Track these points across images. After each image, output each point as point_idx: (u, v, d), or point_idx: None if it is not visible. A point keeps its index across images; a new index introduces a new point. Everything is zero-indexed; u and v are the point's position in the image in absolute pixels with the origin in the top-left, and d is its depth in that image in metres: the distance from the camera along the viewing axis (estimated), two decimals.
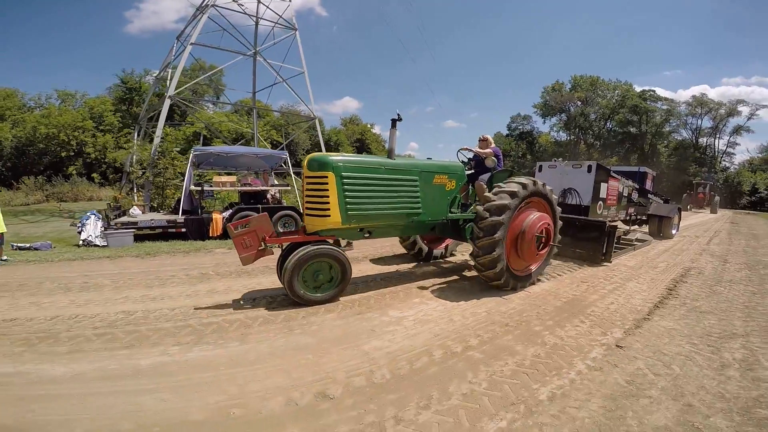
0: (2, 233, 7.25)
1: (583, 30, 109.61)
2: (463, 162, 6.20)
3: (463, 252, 7.70)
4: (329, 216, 4.47)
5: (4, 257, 7.13)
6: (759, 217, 25.90)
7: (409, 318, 4.32)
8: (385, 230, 5.24)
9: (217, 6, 17.91)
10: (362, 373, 3.09)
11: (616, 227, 7.60)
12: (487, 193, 5.38)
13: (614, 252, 7.82)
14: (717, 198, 30.05)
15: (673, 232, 11.86)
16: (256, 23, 20.36)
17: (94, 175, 29.34)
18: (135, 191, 17.48)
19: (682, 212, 26.04)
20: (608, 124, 55.25)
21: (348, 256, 4.76)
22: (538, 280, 5.94)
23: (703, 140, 52.81)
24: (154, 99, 21.56)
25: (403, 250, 7.45)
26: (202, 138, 21.77)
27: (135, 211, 10.66)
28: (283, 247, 4.83)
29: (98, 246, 8.82)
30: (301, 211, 5.58)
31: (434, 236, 6.82)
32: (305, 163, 4.61)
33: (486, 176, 6.01)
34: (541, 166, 9.31)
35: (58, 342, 3.58)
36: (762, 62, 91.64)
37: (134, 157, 18.18)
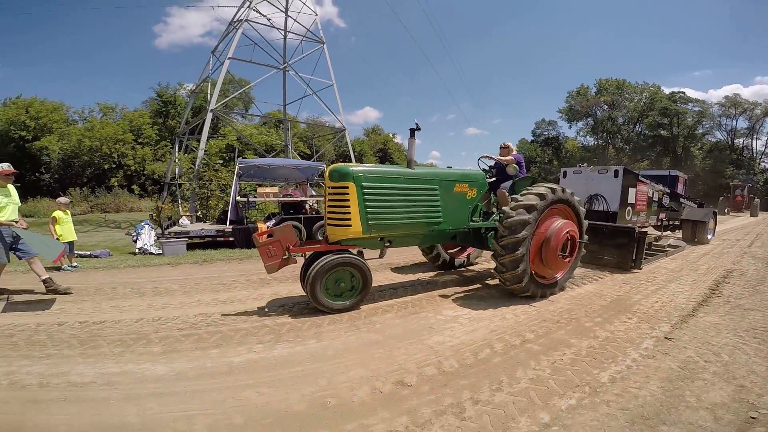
0: (72, 241, 7.67)
1: (607, 33, 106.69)
2: (484, 170, 6.11)
3: (484, 261, 7.54)
4: (350, 226, 4.49)
5: (74, 264, 7.55)
6: None
7: (464, 316, 4.58)
8: (405, 239, 5.21)
9: (250, 21, 18.53)
10: (431, 363, 3.34)
11: (646, 233, 7.27)
12: (506, 207, 5.22)
13: (645, 259, 7.48)
14: (757, 200, 28.11)
15: (709, 237, 11.23)
16: (285, 37, 20.90)
17: (134, 186, 30.73)
18: (176, 202, 18.18)
19: (720, 216, 24.77)
20: (637, 127, 53.27)
21: (371, 264, 4.79)
22: (567, 287, 5.75)
23: (739, 141, 50.06)
24: (189, 113, 22.37)
25: (423, 259, 7.36)
26: (236, 150, 22.47)
27: (184, 221, 11.19)
28: (307, 257, 4.89)
29: (153, 254, 9.33)
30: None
31: (455, 245, 6.73)
32: (327, 173, 4.69)
33: (508, 184, 5.90)
34: (565, 172, 9.01)
35: (150, 343, 3.78)
36: None
37: (176, 169, 18.98)
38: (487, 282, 6.27)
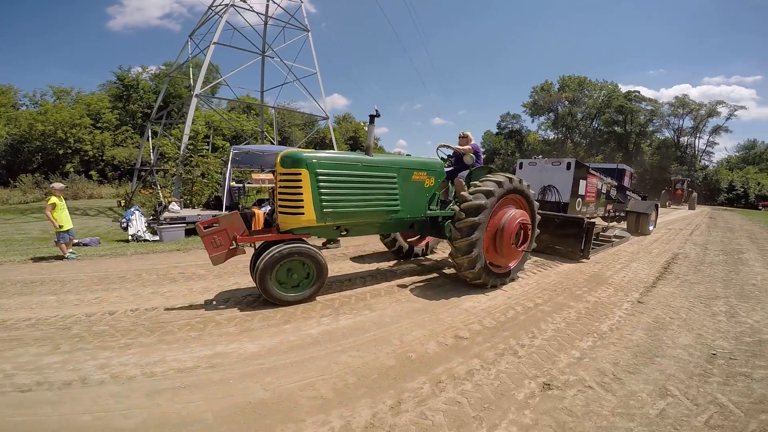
0: (69, 229, 7.04)
1: (570, 29, 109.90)
2: (442, 158, 6.02)
3: (443, 250, 7.55)
4: (303, 214, 4.27)
5: (72, 252, 7.06)
6: (735, 213, 27.03)
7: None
8: (362, 228, 5.06)
9: (236, 6, 17.66)
10: (474, 322, 4.06)
11: (594, 224, 7.48)
12: (464, 192, 5.22)
13: (592, 248, 7.70)
14: (695, 194, 29.90)
15: (651, 228, 11.76)
16: (265, 23, 20.15)
17: (92, 172, 28.68)
18: (151, 188, 17.18)
19: (661, 209, 26.16)
20: (594, 123, 55.34)
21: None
22: (518, 277, 5.81)
23: (684, 139, 53.18)
24: (161, 98, 21.05)
25: (382, 248, 7.26)
26: (209, 137, 21.43)
27: (174, 207, 10.60)
28: (256, 246, 4.62)
29: (148, 240, 8.98)
30: None
31: (414, 234, 6.65)
32: (278, 159, 4.40)
33: (465, 173, 5.84)
34: (521, 164, 9.09)
35: (220, 325, 3.80)
36: (742, 62, 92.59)
37: (151, 154, 17.96)
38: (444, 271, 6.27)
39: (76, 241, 7.90)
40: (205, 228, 4.16)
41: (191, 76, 16.92)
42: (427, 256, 7.20)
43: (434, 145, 6.04)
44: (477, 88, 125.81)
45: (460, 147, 5.92)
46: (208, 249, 4.16)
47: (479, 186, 5.15)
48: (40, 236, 10.14)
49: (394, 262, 6.68)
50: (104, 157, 30.37)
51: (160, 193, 15.30)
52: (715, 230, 13.97)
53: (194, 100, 15.17)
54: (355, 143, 51.93)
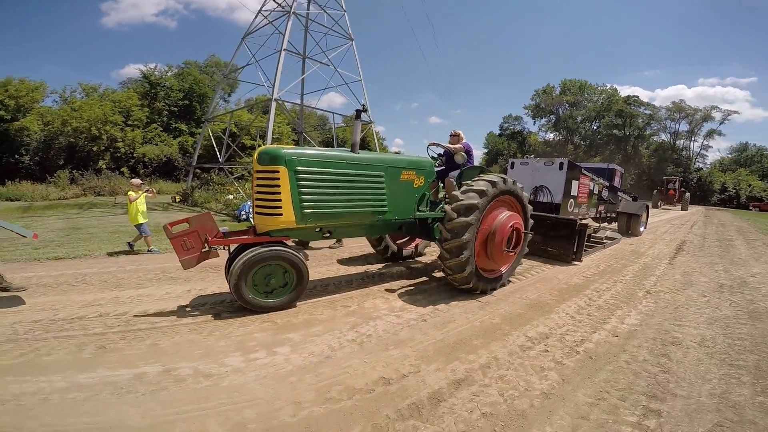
0: (143, 222, 6.56)
1: (567, 30, 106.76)
2: (433, 157, 5.44)
3: (433, 252, 6.94)
4: (281, 215, 3.74)
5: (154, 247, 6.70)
6: (727, 212, 28.63)
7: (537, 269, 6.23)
8: (347, 230, 4.51)
9: (296, 13, 17.46)
10: (586, 271, 6.18)
11: (587, 225, 6.81)
12: (455, 192, 4.64)
13: (585, 251, 7.05)
14: (687, 195, 27.63)
15: (641, 229, 10.89)
16: (306, 27, 19.81)
17: (124, 169, 28.29)
18: (205, 186, 17.10)
19: (653, 209, 24.93)
20: (594, 125, 53.67)
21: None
22: (509, 282, 5.23)
23: (680, 142, 51.37)
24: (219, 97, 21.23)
25: (370, 249, 6.64)
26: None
27: None
28: (231, 249, 4.09)
29: None
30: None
31: (403, 236, 6.08)
32: (255, 156, 3.86)
33: (456, 173, 5.26)
34: (513, 163, 8.34)
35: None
36: (737, 64, 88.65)
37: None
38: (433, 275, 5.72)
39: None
40: (173, 229, 3.66)
41: (273, 84, 16.20)
42: (416, 259, 6.61)
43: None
44: (474, 89, 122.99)
45: (451, 145, 5.33)
46: (178, 252, 3.65)
47: (471, 185, 4.58)
48: (125, 230, 9.26)
49: (383, 264, 6.07)
50: (134, 155, 30.11)
51: (240, 190, 15.38)
52: (710, 226, 15.84)
53: (273, 104, 14.99)
54: (363, 143, 51.12)
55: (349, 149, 4.46)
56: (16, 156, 26.90)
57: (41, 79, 31.76)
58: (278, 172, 3.72)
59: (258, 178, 3.85)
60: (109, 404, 2.24)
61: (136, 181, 6.90)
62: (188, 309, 3.85)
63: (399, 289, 4.80)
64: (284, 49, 15.80)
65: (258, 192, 3.86)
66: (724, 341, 3.55)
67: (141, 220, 6.47)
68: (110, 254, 6.34)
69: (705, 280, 5.86)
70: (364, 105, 4.34)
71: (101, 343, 3.02)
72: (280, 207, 3.74)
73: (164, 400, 2.30)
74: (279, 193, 3.73)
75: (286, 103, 18.15)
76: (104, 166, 27.29)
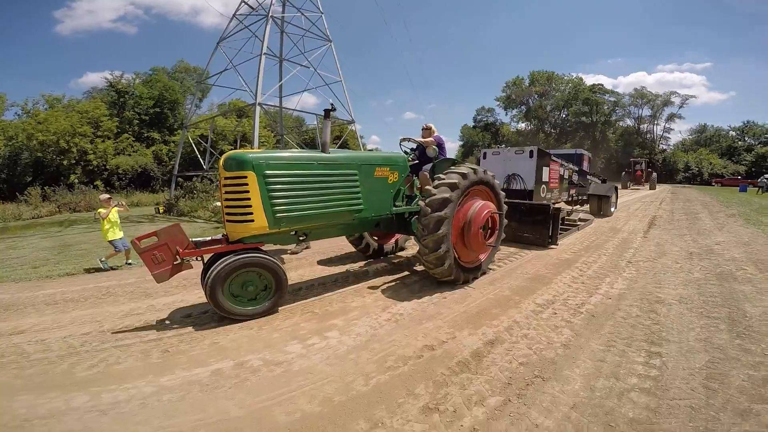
0: (119, 238, 6.20)
1: (532, 22, 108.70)
2: (406, 152, 5.38)
3: (414, 245, 6.88)
4: (252, 221, 3.59)
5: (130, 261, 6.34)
6: (692, 189, 30.45)
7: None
8: (324, 231, 4.41)
9: (273, 17, 16.85)
10: (574, 246, 7.04)
11: (560, 209, 6.94)
12: (428, 186, 4.60)
13: (560, 234, 7.18)
14: (654, 175, 28.92)
15: (612, 209, 11.25)
16: (281, 30, 19.48)
17: (98, 182, 26.80)
18: (189, 195, 16.41)
19: (623, 190, 25.79)
20: (563, 114, 54.94)
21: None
22: (490, 269, 5.25)
23: (643, 126, 53.40)
24: (195, 102, 20.29)
25: (350, 248, 6.50)
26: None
27: None
28: (205, 259, 3.90)
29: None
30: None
31: (381, 232, 6.01)
32: (221, 162, 3.69)
33: (429, 166, 5.22)
34: (485, 153, 8.39)
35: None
36: (693, 50, 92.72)
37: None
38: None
39: None
40: (142, 243, 3.46)
41: (257, 87, 15.58)
42: (397, 254, 6.57)
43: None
44: (446, 83, 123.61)
45: (423, 139, 5.29)
46: (149, 267, 3.46)
47: (443, 179, 4.54)
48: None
49: (364, 262, 5.98)
50: (107, 167, 28.63)
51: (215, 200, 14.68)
52: (677, 202, 17.05)
53: (258, 109, 14.43)
54: (342, 143, 50.59)
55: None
56: None
57: (1, 91, 29.76)
58: (246, 177, 3.56)
59: (226, 185, 3.68)
60: (203, 401, 2.37)
61: (105, 196, 6.52)
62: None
63: (405, 277, 5.06)
64: (264, 53, 15.37)
65: (227, 199, 3.69)
66: (699, 298, 4.11)
67: (115, 236, 6.14)
68: (114, 268, 6.07)
69: (676, 250, 6.53)
70: (332, 104, 4.21)
71: (163, 348, 3.10)
72: (251, 213, 3.59)
73: (251, 390, 2.48)
74: (249, 199, 3.58)
75: (265, 107, 17.69)
76: (76, 181, 25.79)
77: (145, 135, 32.69)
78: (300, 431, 2.08)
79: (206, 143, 18.98)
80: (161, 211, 16.90)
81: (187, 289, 4.73)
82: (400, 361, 2.79)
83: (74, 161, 26.99)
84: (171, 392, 2.45)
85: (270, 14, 16.30)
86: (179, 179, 18.64)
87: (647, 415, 2.17)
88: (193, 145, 19.71)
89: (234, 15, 18.50)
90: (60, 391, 2.48)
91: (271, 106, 19.39)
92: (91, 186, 25.55)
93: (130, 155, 30.31)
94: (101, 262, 6.05)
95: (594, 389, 2.44)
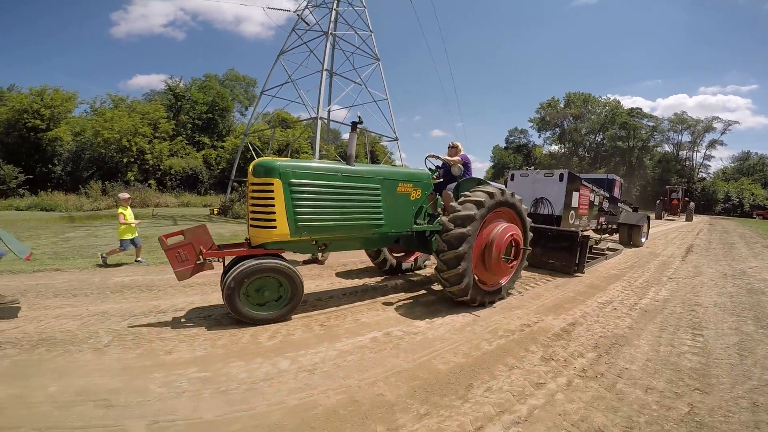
0: (134, 237, 6.24)
1: (568, 41, 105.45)
2: (430, 169, 5.22)
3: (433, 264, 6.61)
4: (275, 228, 3.57)
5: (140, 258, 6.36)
6: (731, 221, 29.36)
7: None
8: (343, 243, 4.31)
9: (335, 33, 17.86)
10: (621, 264, 7.76)
11: (588, 237, 6.46)
12: (452, 203, 4.41)
13: (587, 262, 6.68)
14: (692, 204, 25.30)
15: (643, 240, 10.37)
16: (333, 45, 19.78)
17: (151, 181, 28.03)
18: (243, 199, 17.16)
19: (658, 220, 23.73)
20: (598, 138, 52.61)
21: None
22: (509, 294, 4.94)
23: (683, 153, 49.94)
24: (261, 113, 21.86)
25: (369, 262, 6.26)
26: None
27: None
28: (226, 262, 3.92)
29: None
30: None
31: (400, 249, 5.82)
32: (250, 168, 3.72)
33: (454, 185, 5.02)
34: (513, 175, 7.95)
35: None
36: (737, 72, 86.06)
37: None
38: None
39: None
40: (168, 241, 3.54)
41: (319, 103, 16.12)
42: (416, 272, 6.27)
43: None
44: (478, 102, 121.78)
45: (449, 158, 5.12)
46: (173, 264, 3.51)
47: (469, 196, 4.34)
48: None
49: (382, 278, 5.75)
50: (161, 166, 29.71)
51: None
52: (714, 233, 17.13)
53: (319, 122, 15.07)
54: (372, 158, 50.82)
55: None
56: (49, 166, 26.67)
57: (75, 89, 31.48)
58: (272, 184, 3.56)
59: (253, 191, 3.70)
60: (377, 359, 2.96)
61: (124, 195, 6.34)
62: (346, 295, 4.79)
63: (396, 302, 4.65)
64: (325, 69, 15.91)
65: (253, 204, 3.71)
66: (731, 305, 4.91)
67: (129, 235, 6.09)
68: (109, 264, 6.10)
69: (712, 271, 7.16)
70: (359, 117, 4.16)
71: (318, 323, 3.70)
72: (275, 220, 3.57)
73: (407, 350, 3.13)
74: (273, 205, 3.56)
75: (324, 121, 17.94)
76: (132, 178, 27.13)
77: (197, 139, 34.42)
78: (457, 373, 2.75)
79: (259, 151, 19.62)
80: (216, 212, 17.36)
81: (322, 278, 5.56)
82: (509, 332, 3.64)
83: (132, 159, 28.54)
84: (350, 354, 3.00)
85: (329, 32, 16.85)
86: (235, 183, 19.31)
87: (701, 365, 3.05)
88: (252, 150, 20.47)
89: (293, 29, 19.25)
90: (262, 358, 2.88)
91: (334, 121, 19.92)
92: (146, 184, 26.82)
93: (182, 157, 31.82)
94: (101, 257, 5.99)
95: (659, 352, 3.30)
